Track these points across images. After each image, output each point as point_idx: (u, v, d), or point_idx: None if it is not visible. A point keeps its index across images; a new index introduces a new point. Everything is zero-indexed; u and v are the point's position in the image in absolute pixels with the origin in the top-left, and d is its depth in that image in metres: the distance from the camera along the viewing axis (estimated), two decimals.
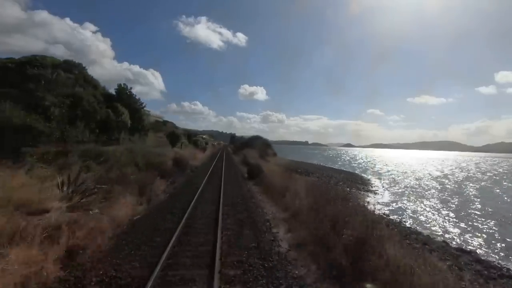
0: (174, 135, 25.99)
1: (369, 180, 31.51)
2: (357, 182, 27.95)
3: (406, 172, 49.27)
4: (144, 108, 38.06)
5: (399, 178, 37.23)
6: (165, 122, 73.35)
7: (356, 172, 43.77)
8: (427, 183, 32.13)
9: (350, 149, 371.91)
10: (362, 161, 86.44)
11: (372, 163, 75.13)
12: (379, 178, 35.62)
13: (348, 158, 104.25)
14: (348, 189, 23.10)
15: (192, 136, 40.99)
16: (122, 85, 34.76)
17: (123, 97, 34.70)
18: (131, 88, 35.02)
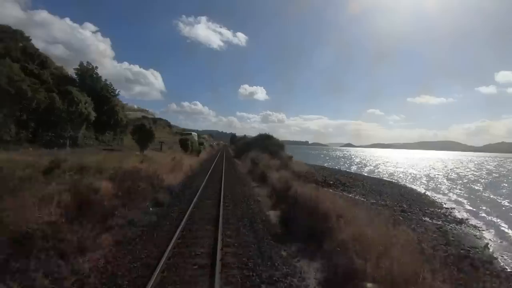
0: (142, 132, 16.92)
1: (427, 195, 22.55)
2: (421, 201, 19.03)
3: (439, 178, 40.58)
4: (118, 96, 29.03)
5: (458, 189, 28.40)
6: (155, 120, 64.40)
7: (391, 179, 34.92)
8: (506, 200, 23.20)
9: (352, 149, 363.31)
10: (377, 163, 77.65)
11: (391, 166, 66.40)
12: (431, 190, 26.80)
13: (358, 159, 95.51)
14: (429, 219, 14.17)
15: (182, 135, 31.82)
16: (86, 65, 25.69)
17: (86, 81, 25.68)
18: (96, 67, 25.92)
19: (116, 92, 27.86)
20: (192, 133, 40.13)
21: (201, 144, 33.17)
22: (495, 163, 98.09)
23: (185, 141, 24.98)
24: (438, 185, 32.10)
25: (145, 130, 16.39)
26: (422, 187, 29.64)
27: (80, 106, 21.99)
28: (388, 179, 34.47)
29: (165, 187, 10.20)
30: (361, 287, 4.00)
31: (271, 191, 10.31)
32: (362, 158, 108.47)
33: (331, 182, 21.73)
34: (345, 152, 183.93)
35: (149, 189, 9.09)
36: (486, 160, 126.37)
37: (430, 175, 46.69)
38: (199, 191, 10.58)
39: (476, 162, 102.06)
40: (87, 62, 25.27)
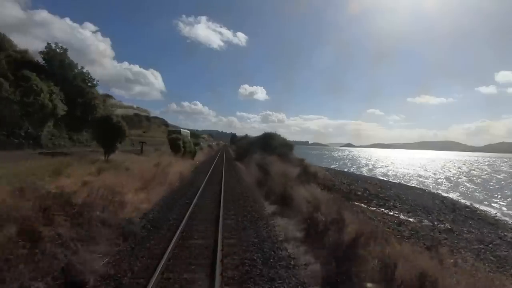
0: (107, 128, 11.74)
1: (479, 209, 17.99)
2: (484, 221, 14.49)
3: (464, 182, 36.20)
4: (96, 87, 24.29)
5: (500, 198, 23.94)
6: (149, 118, 59.61)
7: (417, 185, 30.40)
8: None
9: (353, 149, 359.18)
10: (385, 164, 73.29)
11: (401, 167, 62.01)
12: (470, 199, 22.35)
13: (364, 160, 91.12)
14: None
15: (172, 133, 26.35)
16: (54, 47, 21.03)
17: (55, 69, 21.08)
18: (66, 49, 21.18)
19: (95, 82, 23.22)
20: (183, 130, 34.34)
21: (196, 144, 28.17)
22: (507, 164, 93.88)
23: (175, 141, 20.11)
24: (473, 192, 27.68)
25: (111, 126, 11.49)
26: (457, 195, 25.22)
27: (42, 96, 17.36)
28: (415, 185, 29.99)
29: (118, 223, 5.64)
30: (361, 287, 3.85)
31: (308, 232, 5.72)
32: (367, 158, 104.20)
33: (359, 193, 17.19)
34: (347, 153, 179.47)
35: (71, 236, 4.49)
36: (494, 161, 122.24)
37: (451, 178, 42.25)
38: (180, 228, 5.94)
39: (487, 163, 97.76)
40: (56, 43, 20.58)
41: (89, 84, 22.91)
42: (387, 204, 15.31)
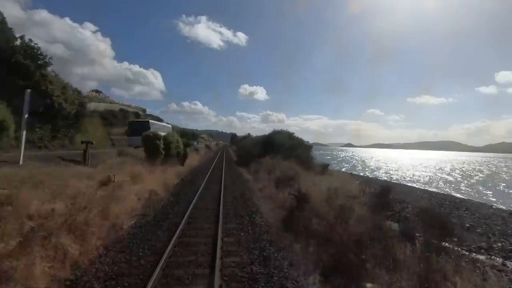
0: None
1: None
2: None
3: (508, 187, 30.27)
4: (50, 66, 18.11)
5: None
6: (138, 114, 53.33)
7: (461, 194, 24.37)
8: None
9: (354, 150, 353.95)
10: (395, 166, 67.09)
11: (417, 170, 55.91)
12: None
13: (373, 162, 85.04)
14: None
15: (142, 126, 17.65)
16: None
17: None
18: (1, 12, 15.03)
19: (47, 60, 17.03)
20: (153, 122, 23.53)
21: (187, 145, 21.27)
22: None
23: (152, 140, 13.66)
24: None
25: None
26: None
27: None
28: (460, 196, 23.97)
29: None
30: (361, 287, 3.93)
31: None
32: (374, 159, 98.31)
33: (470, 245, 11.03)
34: (351, 153, 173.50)
35: None
36: (505, 161, 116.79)
37: (489, 185, 36.13)
38: None
39: (504, 165, 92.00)
40: None
41: (39, 62, 16.71)
42: (493, 246, 9.25)
